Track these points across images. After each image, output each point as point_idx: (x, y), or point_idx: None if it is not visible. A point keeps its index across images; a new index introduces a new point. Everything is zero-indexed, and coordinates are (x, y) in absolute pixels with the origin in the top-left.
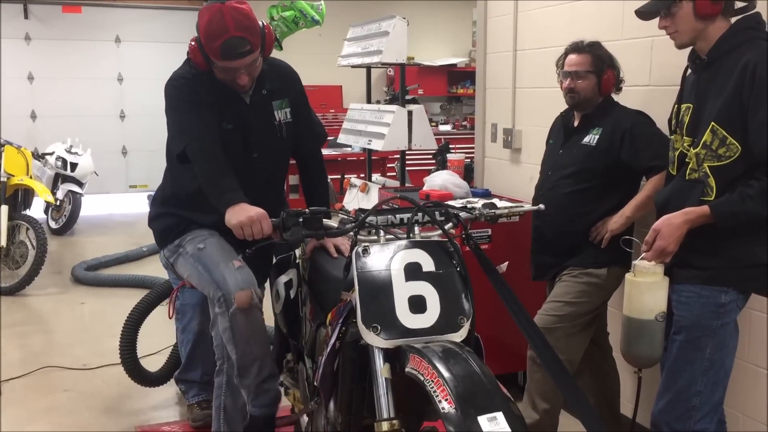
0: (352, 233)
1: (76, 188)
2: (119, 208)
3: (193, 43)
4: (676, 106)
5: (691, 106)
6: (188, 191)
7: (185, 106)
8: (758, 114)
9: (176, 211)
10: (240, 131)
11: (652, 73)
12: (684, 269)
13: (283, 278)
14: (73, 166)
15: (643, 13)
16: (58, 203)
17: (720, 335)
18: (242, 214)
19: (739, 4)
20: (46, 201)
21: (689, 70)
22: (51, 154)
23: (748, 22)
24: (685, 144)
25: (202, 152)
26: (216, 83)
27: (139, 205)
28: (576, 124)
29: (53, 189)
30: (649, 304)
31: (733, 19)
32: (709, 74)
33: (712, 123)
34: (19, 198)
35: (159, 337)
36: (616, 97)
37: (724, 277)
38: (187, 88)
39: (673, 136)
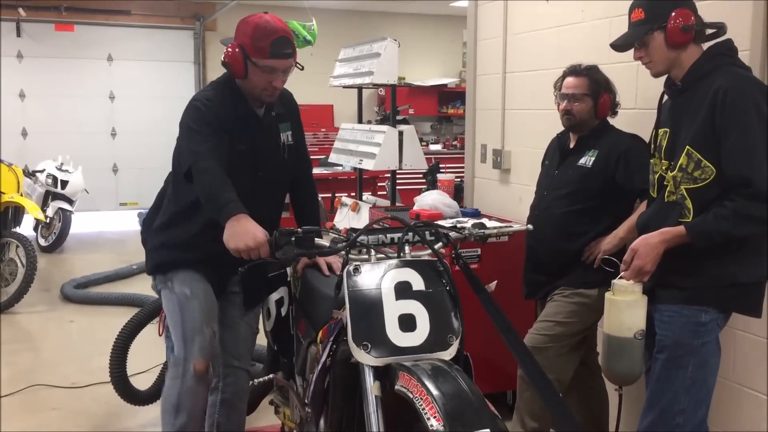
0: (343, 252)
1: (66, 206)
2: (109, 225)
3: (230, 49)
4: (654, 131)
5: (668, 130)
6: (187, 209)
7: (203, 128)
8: (729, 138)
9: (172, 241)
10: (251, 151)
11: (638, 97)
12: (665, 289)
13: (275, 296)
14: (64, 183)
15: (618, 47)
16: (48, 221)
17: (702, 354)
18: (241, 242)
19: (710, 31)
20: (36, 218)
21: (665, 97)
22: (42, 171)
23: (720, 48)
24: (662, 167)
25: (205, 171)
26: (238, 105)
27: (129, 222)
28: (572, 145)
29: (43, 206)
30: (627, 323)
31: (707, 46)
32: (684, 99)
33: (687, 147)
34: (9, 215)
35: (148, 356)
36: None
37: (703, 297)
38: (210, 111)
39: (652, 160)
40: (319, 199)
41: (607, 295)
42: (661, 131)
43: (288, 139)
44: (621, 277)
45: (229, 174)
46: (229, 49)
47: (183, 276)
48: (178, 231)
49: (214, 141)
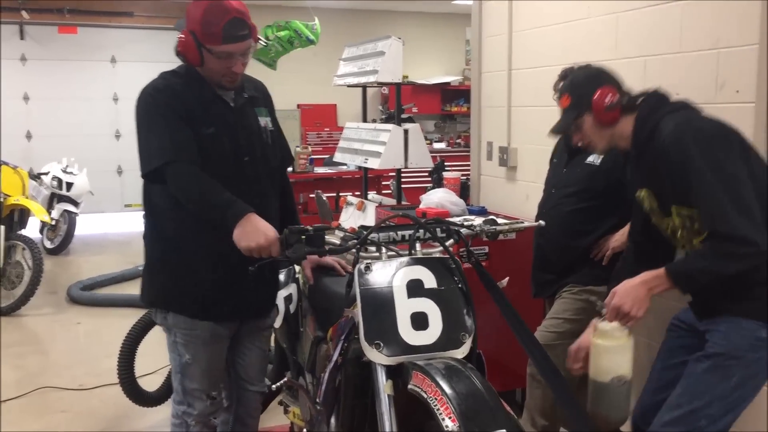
0: (353, 250)
1: (71, 208)
2: (114, 227)
3: (182, 36)
4: (635, 192)
5: (648, 191)
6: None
7: (158, 121)
8: (686, 191)
9: (175, 273)
10: (225, 134)
11: None
12: (725, 303)
13: (283, 292)
14: (69, 185)
15: (557, 132)
16: (53, 223)
17: (752, 368)
18: (252, 240)
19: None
20: (41, 221)
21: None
22: (47, 173)
23: (650, 103)
24: (668, 224)
25: (181, 175)
26: (198, 89)
27: (134, 224)
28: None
29: (49, 209)
30: (605, 367)
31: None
32: (644, 161)
33: (673, 207)
34: (15, 218)
35: (156, 357)
36: None
37: (764, 313)
38: (160, 102)
39: (654, 219)
40: (324, 198)
41: (592, 337)
42: (643, 193)
43: (268, 124)
44: (604, 319)
45: (207, 163)
46: (182, 36)
47: (186, 334)
48: (179, 269)
49: (172, 134)
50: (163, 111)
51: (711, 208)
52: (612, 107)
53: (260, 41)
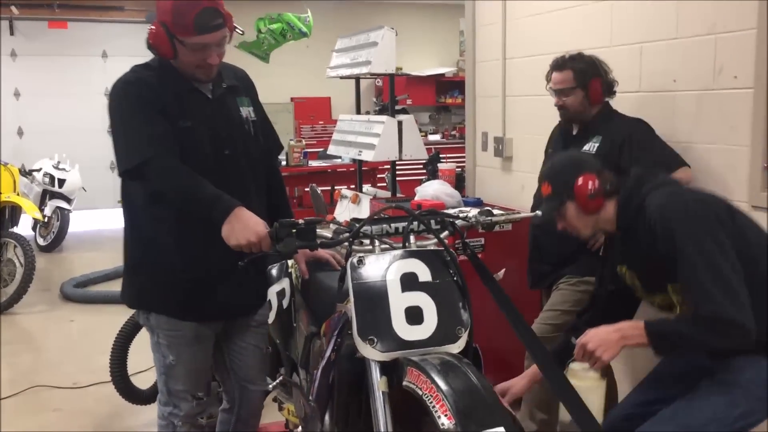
0: (346, 244)
1: (64, 204)
2: (108, 223)
3: (153, 28)
4: (615, 267)
5: (633, 272)
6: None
7: (134, 117)
8: (676, 271)
9: (157, 274)
10: (203, 127)
11: (642, 80)
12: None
13: (276, 287)
14: (61, 182)
15: (541, 223)
16: (46, 220)
17: (758, 405)
18: (242, 237)
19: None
20: (33, 218)
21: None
22: (38, 170)
23: (631, 184)
24: (658, 300)
25: (166, 171)
26: (169, 80)
27: None
28: (575, 132)
29: (41, 205)
30: None
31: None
32: (629, 238)
33: (669, 285)
34: (6, 215)
35: (149, 354)
36: (612, 103)
37: None
38: (132, 94)
39: (638, 294)
40: (319, 191)
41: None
42: (625, 271)
43: (250, 114)
44: (574, 359)
45: (185, 158)
46: (153, 28)
47: (168, 335)
48: (158, 268)
49: (148, 128)
50: (135, 105)
51: (695, 289)
52: (595, 195)
53: (237, 30)
